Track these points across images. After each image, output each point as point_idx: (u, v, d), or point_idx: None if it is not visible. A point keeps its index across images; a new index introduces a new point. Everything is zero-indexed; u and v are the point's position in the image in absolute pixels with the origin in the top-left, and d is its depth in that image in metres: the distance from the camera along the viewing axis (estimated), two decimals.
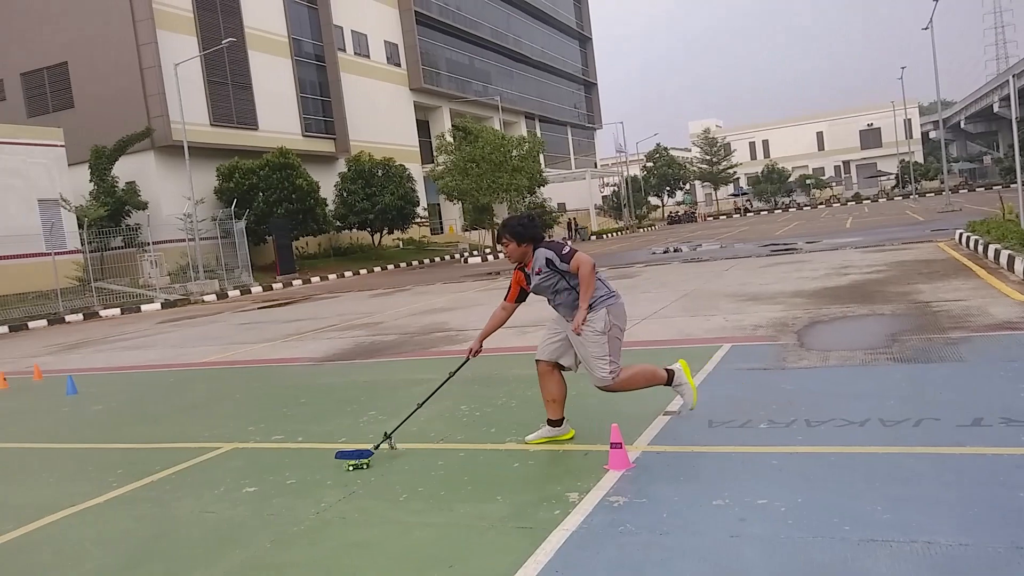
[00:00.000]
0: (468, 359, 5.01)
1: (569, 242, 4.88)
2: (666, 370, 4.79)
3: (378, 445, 4.84)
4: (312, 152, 37.33)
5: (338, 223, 35.82)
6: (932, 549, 2.93)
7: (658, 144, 70.98)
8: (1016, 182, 14.23)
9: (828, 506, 3.42)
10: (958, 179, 67.45)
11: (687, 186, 76.78)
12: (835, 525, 3.22)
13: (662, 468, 4.18)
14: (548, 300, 4.80)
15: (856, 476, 3.76)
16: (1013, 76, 16.08)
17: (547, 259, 4.59)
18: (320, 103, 39.07)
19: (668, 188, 70.36)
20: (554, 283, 4.65)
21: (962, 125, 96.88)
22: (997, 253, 11.15)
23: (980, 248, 12.61)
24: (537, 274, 4.65)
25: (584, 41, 75.01)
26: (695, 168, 74.35)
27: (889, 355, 6.30)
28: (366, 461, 4.66)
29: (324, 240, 37.20)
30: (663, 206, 73.24)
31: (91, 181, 28.64)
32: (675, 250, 24.47)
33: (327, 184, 35.63)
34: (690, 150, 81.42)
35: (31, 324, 21.49)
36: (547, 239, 4.78)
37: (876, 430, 4.42)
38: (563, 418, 4.86)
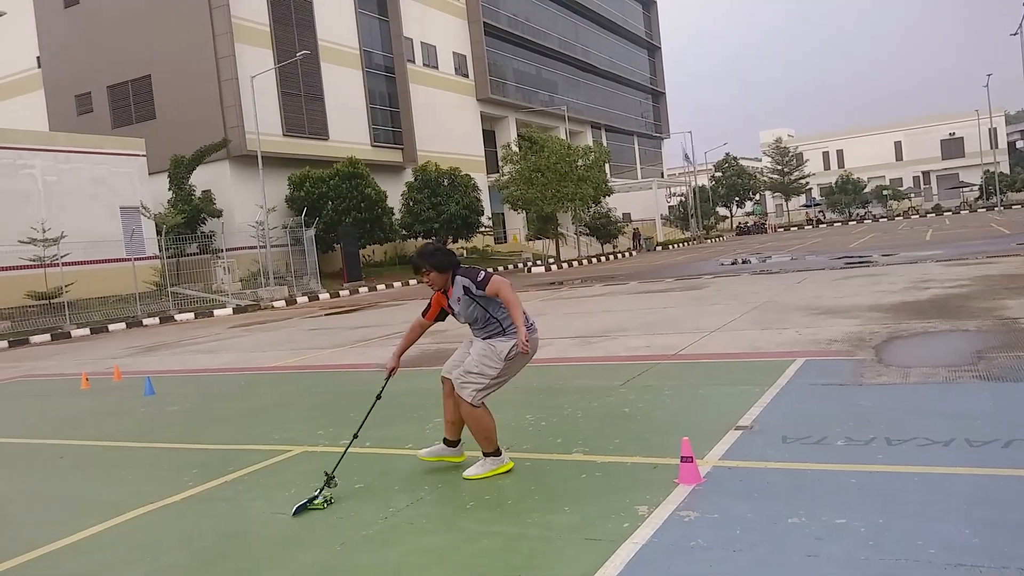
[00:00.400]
0: (389, 378, 4.83)
1: (485, 270, 4.51)
2: (497, 446, 4.61)
3: (321, 489, 4.35)
4: (380, 162, 38.00)
5: (404, 232, 36.36)
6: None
7: (727, 154, 69.81)
8: None
9: (911, 528, 3.27)
10: None
11: (757, 196, 75.21)
12: (919, 548, 3.08)
13: (734, 483, 4.07)
14: (467, 323, 4.76)
15: (941, 498, 3.59)
16: None
17: (464, 287, 4.56)
18: (389, 113, 39.76)
19: (737, 198, 69.06)
20: (470, 311, 4.60)
21: None
22: None
23: None
24: (457, 301, 4.61)
25: (653, 50, 74.46)
26: (765, 178, 72.80)
27: (975, 373, 6.01)
28: (328, 495, 4.31)
29: (390, 248, 37.80)
30: (731, 217, 71.96)
31: (170, 189, 29.80)
32: (744, 262, 24.00)
33: (394, 193, 36.21)
34: (760, 160, 79.84)
35: (111, 327, 22.43)
36: (463, 265, 4.71)
37: (962, 451, 4.22)
38: (459, 440, 4.78)
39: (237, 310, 24.89)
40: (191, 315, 24.11)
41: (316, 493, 4.33)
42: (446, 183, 36.55)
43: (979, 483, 3.74)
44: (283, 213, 31.75)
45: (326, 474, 4.43)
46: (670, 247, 48.24)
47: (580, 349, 9.43)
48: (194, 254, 28.89)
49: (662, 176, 70.13)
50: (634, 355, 8.52)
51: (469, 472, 4.57)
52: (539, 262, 36.20)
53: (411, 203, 36.43)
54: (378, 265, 36.42)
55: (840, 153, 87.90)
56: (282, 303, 26.25)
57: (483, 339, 4.65)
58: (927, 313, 9.31)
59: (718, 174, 68.48)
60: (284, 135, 33.24)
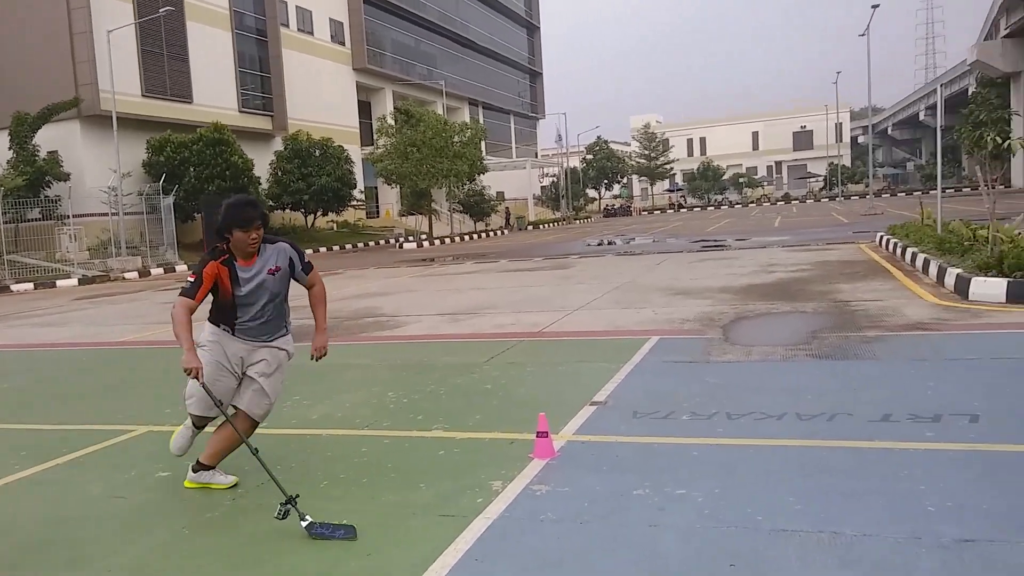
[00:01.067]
0: (201, 382, 3.69)
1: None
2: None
3: (294, 514, 3.41)
4: (248, 128, 36.36)
5: (271, 203, 35.01)
6: (837, 539, 3.03)
7: (599, 137, 71.56)
8: (936, 188, 14.83)
9: (743, 497, 3.50)
10: (882, 183, 70.05)
11: (624, 180, 77.69)
12: (749, 515, 3.30)
13: (586, 457, 4.22)
14: (246, 313, 3.85)
15: (772, 468, 3.86)
16: (941, 86, 16.70)
17: (290, 258, 3.93)
18: (259, 79, 38.04)
19: (606, 181, 71.04)
20: (276, 290, 3.90)
21: (889, 131, 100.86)
22: (914, 256, 11.62)
23: (899, 251, 13.11)
24: (271, 272, 3.84)
25: (532, 30, 74.91)
26: (633, 162, 75.23)
27: (808, 351, 6.50)
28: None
29: None
30: (600, 199, 73.95)
31: (10, 149, 27.22)
32: (609, 243, 24.79)
33: (262, 162, 34.74)
34: (629, 144, 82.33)
35: None
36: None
37: (793, 424, 4.55)
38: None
39: (83, 281, 23.20)
40: (30, 285, 22.28)
41: (316, 522, 3.37)
42: (318, 153, 35.49)
43: (805, 454, 4.05)
44: (139, 179, 29.74)
45: (282, 504, 3.42)
46: (541, 227, 49.06)
47: (448, 326, 9.45)
48: (36, 220, 26.59)
49: (536, 156, 71.03)
50: (501, 332, 8.63)
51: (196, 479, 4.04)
52: (411, 238, 35.88)
53: (280, 173, 35.11)
54: None
55: (703, 141, 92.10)
56: (134, 274, 24.71)
57: (266, 343, 3.96)
58: (771, 295, 9.96)
59: (589, 156, 70.13)
60: (143, 96, 31.11)
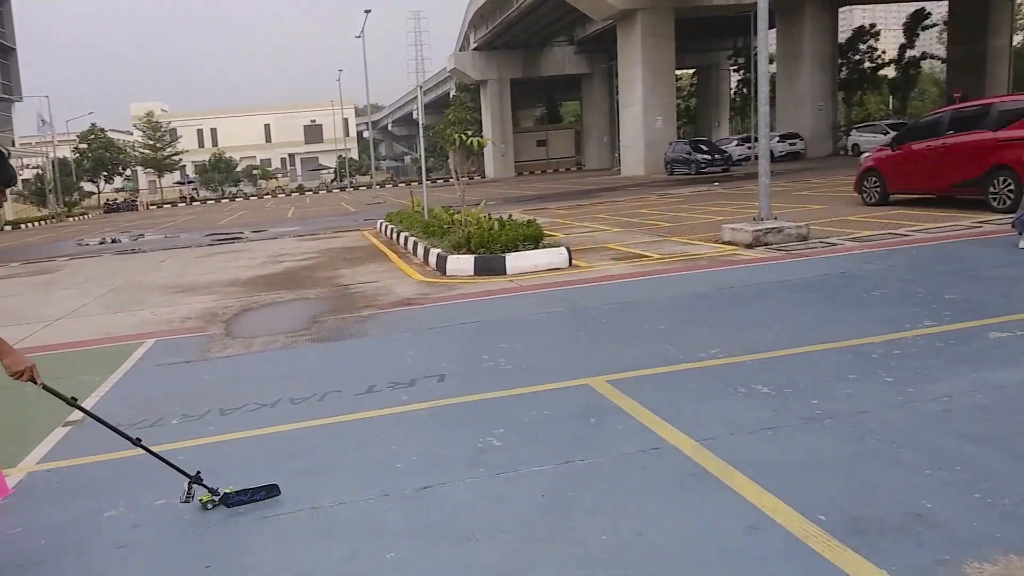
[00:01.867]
0: (41, 383, 3.01)
1: None
2: None
3: (191, 496, 3.30)
4: None
5: None
6: (317, 513, 3.17)
7: (93, 124, 63.78)
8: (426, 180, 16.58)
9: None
10: (385, 175, 76.02)
11: (128, 172, 70.84)
12: (230, 511, 3.25)
13: (51, 488, 3.70)
14: None
15: (262, 457, 3.86)
16: (421, 90, 18.65)
17: None
18: None
19: (105, 173, 63.80)
20: None
21: (389, 127, 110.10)
22: (406, 240, 12.82)
23: (394, 235, 14.33)
24: None
25: None
26: (137, 153, 68.85)
27: (308, 336, 6.68)
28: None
29: None
30: (99, 193, 66.14)
31: None
32: (113, 241, 22.38)
33: None
34: (132, 133, 75.05)
35: None
36: None
37: (286, 409, 4.62)
38: None
39: None
40: None
41: (231, 492, 3.31)
42: None
43: (296, 436, 4.14)
44: None
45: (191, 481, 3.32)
46: (23, 227, 41.88)
47: None
48: None
49: (13, 144, 60.18)
50: None
51: None
52: None
53: None
54: None
55: (214, 132, 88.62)
56: None
57: None
58: (277, 285, 10.00)
59: (83, 146, 62.17)
60: None
